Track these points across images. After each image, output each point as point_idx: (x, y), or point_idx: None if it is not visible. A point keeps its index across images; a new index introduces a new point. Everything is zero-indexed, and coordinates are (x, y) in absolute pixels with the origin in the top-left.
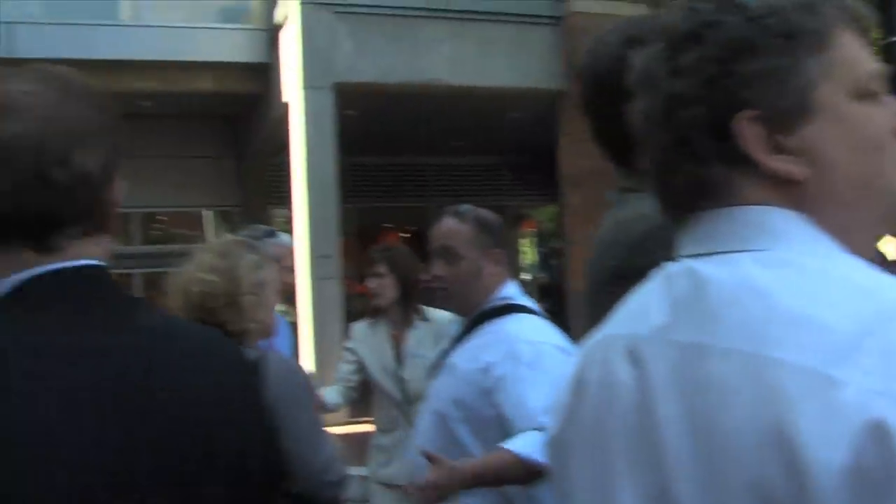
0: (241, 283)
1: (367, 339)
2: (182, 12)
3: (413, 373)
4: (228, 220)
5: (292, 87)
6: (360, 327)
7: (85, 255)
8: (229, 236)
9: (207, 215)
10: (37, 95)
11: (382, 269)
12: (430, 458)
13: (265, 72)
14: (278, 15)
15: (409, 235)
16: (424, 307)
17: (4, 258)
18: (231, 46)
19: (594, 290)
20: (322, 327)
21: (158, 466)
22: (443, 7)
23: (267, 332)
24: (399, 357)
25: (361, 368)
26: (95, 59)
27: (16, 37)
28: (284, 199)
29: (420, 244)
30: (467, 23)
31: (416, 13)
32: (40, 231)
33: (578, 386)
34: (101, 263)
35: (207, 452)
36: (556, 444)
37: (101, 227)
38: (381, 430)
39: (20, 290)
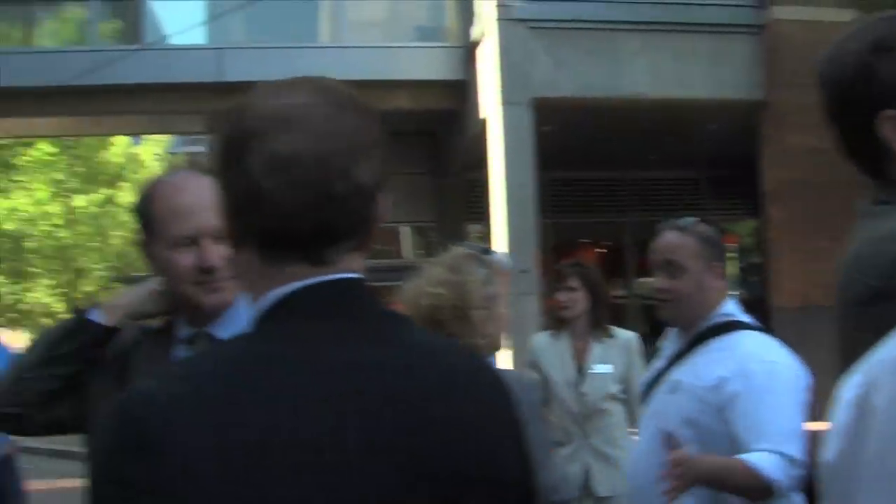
0: (472, 297)
1: (548, 350)
2: (380, 32)
3: (592, 387)
4: (424, 236)
5: (490, 103)
6: (540, 338)
7: (351, 269)
8: (459, 250)
9: (404, 231)
10: (314, 108)
11: (574, 283)
12: (671, 444)
13: (462, 88)
14: (475, 32)
15: (604, 251)
16: (610, 325)
17: (276, 271)
18: (428, 64)
19: (849, 310)
20: (521, 344)
21: (425, 484)
22: (640, 19)
23: (496, 346)
24: (581, 370)
25: (543, 384)
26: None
27: (224, 61)
28: (480, 215)
29: (616, 259)
30: (665, 34)
31: (613, 26)
32: (318, 245)
33: (862, 411)
34: (364, 277)
35: (475, 472)
36: (837, 472)
37: (367, 241)
38: (555, 444)
39: (288, 301)
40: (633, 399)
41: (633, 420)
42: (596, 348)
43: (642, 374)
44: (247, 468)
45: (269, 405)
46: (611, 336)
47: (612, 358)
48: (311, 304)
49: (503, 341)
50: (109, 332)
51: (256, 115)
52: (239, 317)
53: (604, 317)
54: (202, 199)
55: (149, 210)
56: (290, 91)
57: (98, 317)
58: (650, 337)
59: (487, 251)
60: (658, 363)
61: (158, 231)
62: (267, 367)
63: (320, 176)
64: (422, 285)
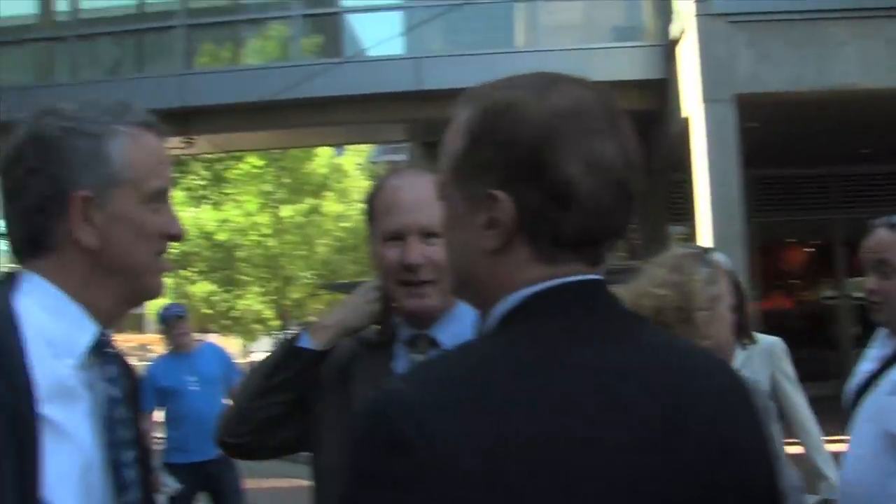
0: (695, 297)
1: None
2: (576, 35)
3: None
4: (626, 239)
5: (691, 101)
6: None
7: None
8: (680, 250)
9: None
10: (607, 106)
11: None
12: None
13: (662, 88)
14: (673, 29)
15: (813, 250)
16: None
17: (545, 270)
18: (626, 64)
19: None
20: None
21: (683, 488)
22: (847, 6)
23: (722, 349)
24: None
25: None
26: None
27: (422, 70)
28: (683, 216)
29: (825, 259)
30: (875, 21)
31: (819, 15)
32: (601, 244)
33: None
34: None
35: (729, 476)
36: None
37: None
38: None
39: (534, 301)
40: (788, 404)
41: (787, 424)
42: (739, 355)
43: (787, 380)
44: (504, 470)
45: (524, 407)
46: (754, 342)
47: (755, 364)
48: (560, 304)
49: (728, 344)
50: (322, 355)
51: (553, 114)
52: (460, 318)
53: (747, 322)
54: (418, 197)
55: (372, 204)
56: (566, 88)
57: (308, 342)
58: (862, 339)
59: (708, 251)
60: (867, 366)
61: (376, 225)
62: (519, 369)
63: (627, 175)
64: (644, 286)
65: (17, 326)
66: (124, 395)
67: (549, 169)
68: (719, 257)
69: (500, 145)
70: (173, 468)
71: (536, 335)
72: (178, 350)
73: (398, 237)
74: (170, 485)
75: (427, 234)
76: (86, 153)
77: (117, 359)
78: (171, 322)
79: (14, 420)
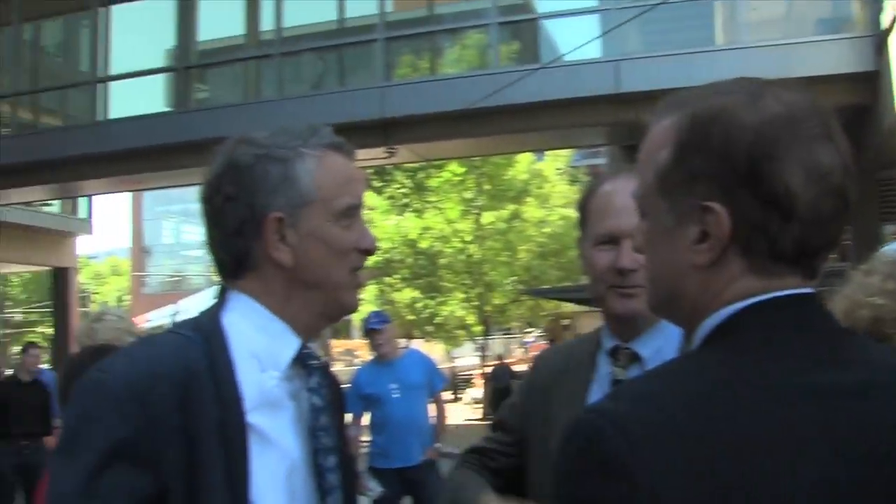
0: None
1: None
2: (778, 29)
3: None
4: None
5: None
6: None
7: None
8: (892, 255)
9: None
10: (817, 112)
11: None
12: None
13: (873, 81)
14: (884, 19)
15: None
16: None
17: (758, 283)
18: (834, 58)
19: None
20: None
21: None
22: None
23: None
24: None
25: None
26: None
27: (621, 73)
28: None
29: None
30: None
31: None
32: (816, 257)
33: None
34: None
35: None
36: None
37: None
38: None
39: (747, 316)
40: None
41: None
42: None
43: None
44: (721, 494)
45: (738, 435)
46: None
47: None
48: (775, 320)
49: None
50: None
51: (768, 121)
52: (663, 333)
53: None
54: (632, 202)
55: (584, 207)
56: (778, 93)
57: None
58: None
59: None
60: None
61: (587, 228)
62: (733, 388)
63: (845, 182)
64: (857, 297)
65: (227, 342)
66: (327, 404)
67: (767, 179)
68: None
69: (714, 154)
70: (377, 473)
71: (746, 351)
72: (382, 358)
73: (611, 241)
74: (373, 488)
75: None
76: (276, 177)
77: (320, 369)
78: (374, 331)
79: (223, 430)
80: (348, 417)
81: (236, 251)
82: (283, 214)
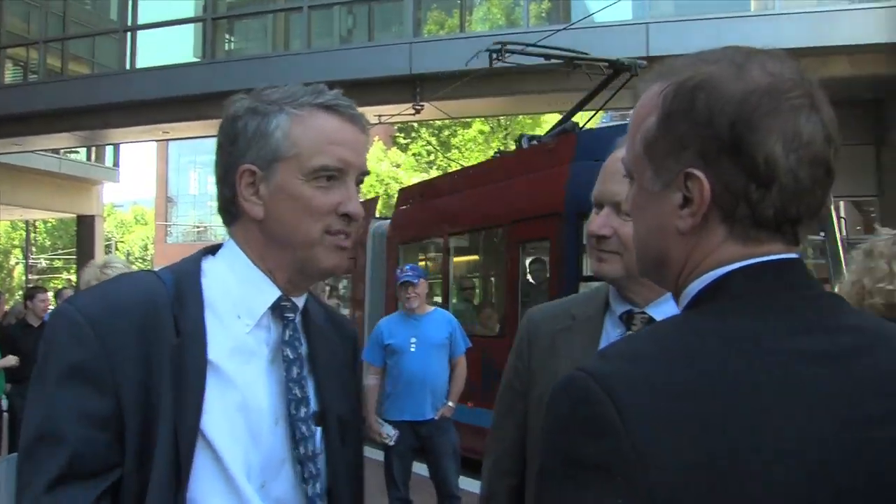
0: None
1: None
2: None
3: None
4: (863, 211)
5: None
6: None
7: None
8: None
9: (840, 205)
10: (804, 81)
11: None
12: None
13: None
14: None
15: None
16: None
17: (742, 249)
18: (870, 26)
19: None
20: None
21: (881, 488)
22: None
23: None
24: None
25: None
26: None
27: (650, 35)
28: None
29: None
30: None
31: None
32: (799, 223)
33: None
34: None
35: None
36: None
37: None
38: None
39: (735, 279)
40: None
41: None
42: None
43: None
44: (707, 454)
45: (728, 393)
46: None
47: None
48: (759, 283)
49: None
50: None
51: (752, 90)
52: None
53: None
54: (619, 169)
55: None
56: (763, 63)
57: None
58: None
59: None
60: None
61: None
62: (720, 350)
63: (827, 151)
64: (866, 282)
65: (198, 284)
66: (299, 357)
67: (748, 147)
68: None
69: (698, 122)
70: (391, 423)
71: (732, 314)
72: (410, 312)
73: (599, 206)
74: (389, 434)
75: (614, 206)
76: (252, 130)
77: (294, 323)
78: (408, 283)
79: (177, 360)
80: (369, 367)
81: (222, 199)
82: (256, 167)
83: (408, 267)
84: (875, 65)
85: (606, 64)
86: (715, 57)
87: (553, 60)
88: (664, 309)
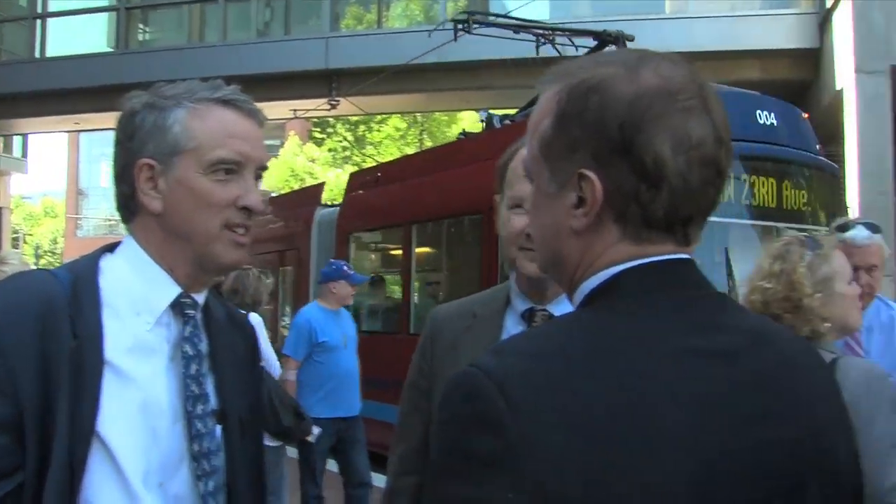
0: (802, 285)
1: None
2: (726, 1)
3: None
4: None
5: (845, 72)
6: None
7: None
8: (787, 237)
9: None
10: (696, 84)
11: None
12: None
13: (815, 58)
14: None
15: None
16: None
17: (634, 248)
18: (779, 33)
19: None
20: None
21: (766, 478)
22: None
23: (846, 327)
24: None
25: None
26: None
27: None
28: None
29: None
30: None
31: None
32: (690, 223)
33: None
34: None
35: (815, 461)
36: None
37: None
38: None
39: (627, 277)
40: None
41: None
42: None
43: None
44: (597, 448)
45: (617, 390)
46: None
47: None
48: (648, 283)
49: (853, 320)
50: None
51: (642, 93)
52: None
53: None
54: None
55: (503, 172)
56: (655, 66)
57: None
58: None
59: (844, 227)
60: None
61: (505, 192)
62: (604, 346)
63: (718, 152)
64: (752, 280)
65: (95, 282)
66: (199, 353)
67: (637, 148)
68: (858, 235)
69: (589, 124)
70: (318, 421)
71: (624, 312)
72: (330, 307)
73: (522, 205)
74: (315, 432)
75: None
76: (150, 125)
77: (195, 320)
78: (347, 282)
79: (75, 361)
80: (289, 361)
81: (121, 195)
82: (154, 162)
83: (343, 264)
84: (783, 70)
85: (591, 36)
86: (610, 59)
87: (524, 34)
88: (565, 307)
